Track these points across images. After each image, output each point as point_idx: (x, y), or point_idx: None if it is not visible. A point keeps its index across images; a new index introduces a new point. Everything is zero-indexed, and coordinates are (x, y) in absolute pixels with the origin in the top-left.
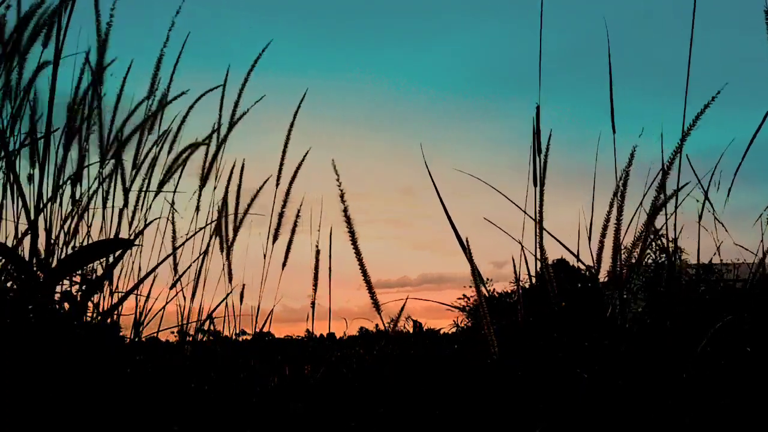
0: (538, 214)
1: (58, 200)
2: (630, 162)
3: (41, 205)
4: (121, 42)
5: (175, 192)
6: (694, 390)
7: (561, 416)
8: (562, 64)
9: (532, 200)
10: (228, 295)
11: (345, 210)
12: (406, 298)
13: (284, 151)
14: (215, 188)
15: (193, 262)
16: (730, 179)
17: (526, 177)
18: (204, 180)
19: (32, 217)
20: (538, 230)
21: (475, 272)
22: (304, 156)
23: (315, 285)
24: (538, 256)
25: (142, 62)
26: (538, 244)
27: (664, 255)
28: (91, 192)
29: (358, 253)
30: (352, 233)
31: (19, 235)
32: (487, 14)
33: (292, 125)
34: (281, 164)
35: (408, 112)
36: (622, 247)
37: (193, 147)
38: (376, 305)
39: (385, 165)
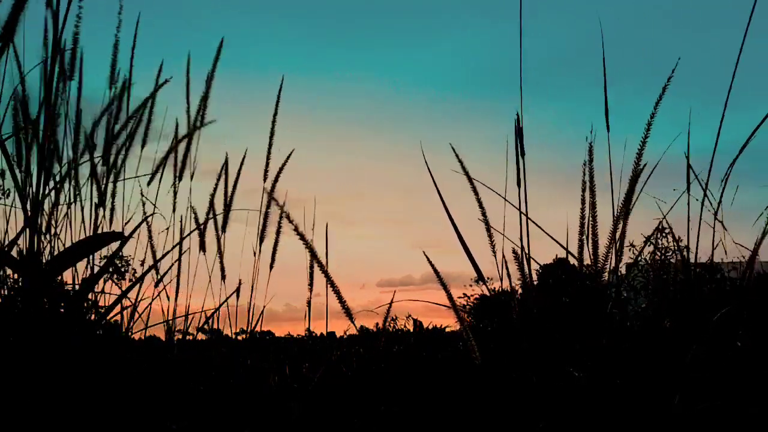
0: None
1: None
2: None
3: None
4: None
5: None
6: (692, 388)
7: (561, 416)
8: (563, 64)
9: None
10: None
11: None
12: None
13: (269, 152)
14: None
15: (178, 259)
16: (736, 179)
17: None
18: (179, 175)
19: (29, 214)
20: (525, 229)
21: (478, 271)
22: (288, 157)
23: (311, 285)
24: (525, 256)
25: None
26: (526, 243)
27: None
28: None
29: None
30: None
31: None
32: (488, 14)
33: (274, 120)
34: (266, 167)
35: (408, 112)
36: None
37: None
38: (347, 310)
39: (385, 165)
